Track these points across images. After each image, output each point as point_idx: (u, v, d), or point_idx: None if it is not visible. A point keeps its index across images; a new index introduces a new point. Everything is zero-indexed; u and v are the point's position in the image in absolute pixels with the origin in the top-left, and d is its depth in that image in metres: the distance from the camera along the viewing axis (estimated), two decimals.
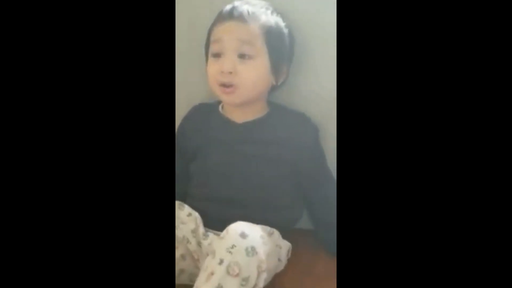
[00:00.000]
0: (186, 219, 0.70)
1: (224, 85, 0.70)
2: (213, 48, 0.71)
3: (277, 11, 0.73)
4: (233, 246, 0.57)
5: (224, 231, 0.60)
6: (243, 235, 0.58)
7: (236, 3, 0.72)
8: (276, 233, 0.68)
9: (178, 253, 0.69)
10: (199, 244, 0.68)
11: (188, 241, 0.69)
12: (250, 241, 0.58)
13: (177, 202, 0.72)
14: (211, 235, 0.68)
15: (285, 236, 0.71)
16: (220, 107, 0.77)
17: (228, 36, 0.69)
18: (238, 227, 0.60)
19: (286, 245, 0.70)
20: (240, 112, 0.74)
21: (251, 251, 0.57)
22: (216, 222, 0.68)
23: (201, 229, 0.69)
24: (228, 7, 0.72)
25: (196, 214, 0.70)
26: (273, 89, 0.75)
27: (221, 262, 0.57)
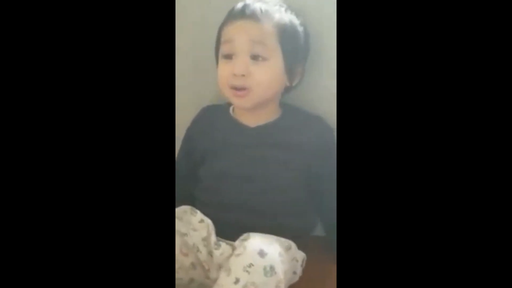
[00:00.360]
0: (198, 226, 0.67)
1: (235, 88, 0.67)
2: (224, 49, 0.68)
3: (291, 8, 0.70)
4: (250, 265, 0.54)
5: (241, 248, 0.57)
6: (261, 254, 0.55)
7: (248, 1, 0.68)
8: (293, 246, 0.65)
9: (188, 261, 0.66)
10: (210, 253, 0.65)
11: (198, 250, 0.65)
12: (268, 260, 0.55)
13: (188, 207, 0.69)
14: (224, 245, 0.65)
15: (300, 245, 0.68)
16: (230, 109, 0.74)
17: (239, 36, 0.66)
18: (256, 244, 0.57)
19: (301, 256, 0.67)
20: (252, 115, 0.71)
21: (270, 271, 0.54)
22: (227, 230, 0.65)
23: (213, 237, 0.66)
24: (239, 5, 0.68)
25: (208, 221, 0.67)
26: (287, 90, 0.72)
27: (237, 281, 0.54)
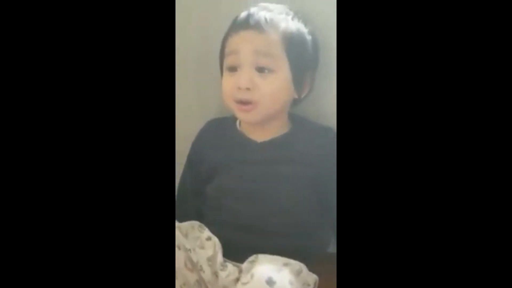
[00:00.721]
0: (205, 243, 0.63)
1: (240, 102, 0.64)
2: (228, 61, 0.66)
3: (298, 16, 0.67)
4: None
5: (248, 275, 0.54)
6: (270, 282, 0.52)
7: (253, 10, 0.65)
8: (304, 269, 0.61)
9: (193, 278, 0.62)
10: (215, 274, 0.62)
11: (201, 269, 0.62)
12: None
13: (197, 223, 0.66)
14: (230, 266, 0.62)
15: (312, 265, 0.64)
16: (237, 123, 0.71)
17: (244, 48, 0.63)
18: (264, 271, 0.53)
19: (313, 279, 0.64)
20: (259, 129, 0.68)
21: None
22: (235, 251, 0.63)
23: (220, 257, 0.63)
24: (243, 14, 0.65)
25: (215, 240, 0.64)
26: (295, 102, 0.69)
27: None
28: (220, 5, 0.73)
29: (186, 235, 0.64)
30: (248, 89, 0.63)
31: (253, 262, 0.58)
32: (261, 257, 0.58)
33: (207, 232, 0.65)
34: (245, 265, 0.59)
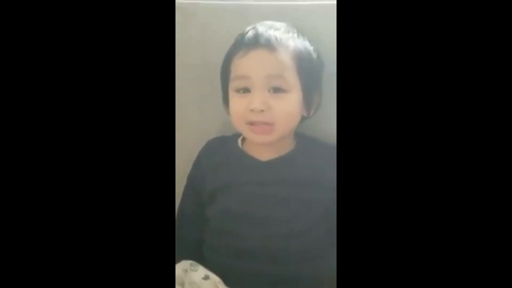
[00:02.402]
0: (203, 284, 0.60)
1: (254, 124, 0.63)
2: (238, 84, 0.64)
3: (302, 34, 0.66)
4: None
5: None
6: None
7: (260, 28, 0.64)
8: None
9: None
10: None
11: None
12: None
13: (188, 263, 0.62)
14: None
15: None
16: (239, 141, 0.69)
17: (256, 72, 0.62)
18: None
19: None
20: (264, 148, 0.66)
21: None
22: (241, 279, 0.60)
23: None
24: (250, 33, 0.64)
25: (215, 278, 0.60)
26: (301, 120, 0.68)
27: None
28: (222, 22, 0.73)
29: (182, 284, 0.60)
30: (262, 110, 0.62)
31: None
32: None
33: (202, 270, 0.61)
34: None
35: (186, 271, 0.60)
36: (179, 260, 0.62)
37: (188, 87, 0.76)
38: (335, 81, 0.68)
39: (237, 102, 0.64)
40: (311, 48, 0.65)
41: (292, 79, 0.63)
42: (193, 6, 0.75)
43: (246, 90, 0.63)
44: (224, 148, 0.70)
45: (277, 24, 0.66)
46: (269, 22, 0.66)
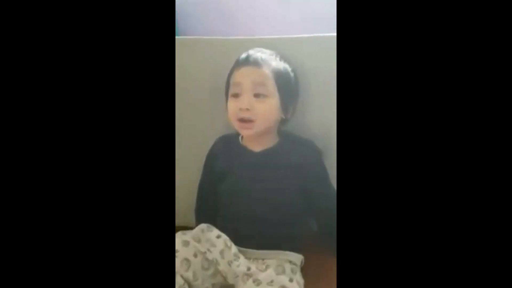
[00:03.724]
0: (216, 241, 0.78)
1: (242, 120, 0.82)
2: (233, 90, 0.84)
3: (284, 58, 0.88)
4: None
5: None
6: None
7: (251, 52, 0.86)
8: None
9: (209, 272, 0.76)
10: (229, 263, 0.76)
11: (217, 263, 0.76)
12: None
13: (205, 225, 0.80)
14: (242, 259, 0.77)
15: (299, 247, 0.83)
16: (239, 138, 0.91)
17: (245, 79, 0.82)
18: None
19: (300, 262, 0.82)
20: (256, 142, 0.88)
21: None
22: (244, 239, 0.80)
23: (234, 249, 0.77)
24: (244, 55, 0.86)
25: (224, 237, 0.78)
26: (283, 122, 0.89)
27: None
28: (226, 50, 0.94)
29: (199, 241, 0.78)
30: (248, 109, 0.80)
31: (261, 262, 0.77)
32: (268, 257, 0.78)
33: (215, 231, 0.79)
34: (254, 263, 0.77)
35: (203, 231, 0.80)
36: (198, 224, 0.81)
37: (203, 99, 0.95)
38: (312, 92, 0.90)
39: (231, 104, 0.84)
40: (289, 69, 0.87)
41: (271, 88, 0.81)
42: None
43: (238, 95, 0.82)
44: (228, 142, 0.91)
45: (265, 50, 0.87)
46: (259, 48, 0.88)
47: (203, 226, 0.81)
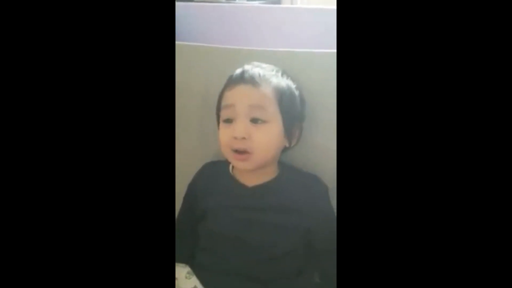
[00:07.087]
0: None
1: (237, 152, 0.67)
2: (225, 114, 0.69)
3: (287, 73, 0.73)
4: None
5: None
6: None
7: (247, 67, 0.71)
8: None
9: None
10: None
11: None
12: None
13: (186, 269, 0.69)
14: None
15: None
16: (230, 167, 0.75)
17: (240, 101, 0.67)
18: None
19: None
20: (250, 175, 0.72)
21: None
22: None
23: None
24: (238, 70, 0.71)
25: None
26: (284, 150, 0.73)
27: None
28: (220, 62, 0.80)
29: (176, 279, 0.67)
30: (243, 138, 0.65)
31: None
32: None
33: (193, 280, 0.67)
34: None
35: (181, 273, 0.67)
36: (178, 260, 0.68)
37: (188, 115, 0.83)
38: (319, 116, 0.75)
39: (223, 132, 0.69)
40: (293, 86, 0.71)
41: (272, 111, 0.66)
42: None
43: (231, 121, 0.67)
44: (216, 172, 0.75)
45: (264, 64, 0.72)
46: (257, 63, 0.73)
47: (184, 269, 0.69)
